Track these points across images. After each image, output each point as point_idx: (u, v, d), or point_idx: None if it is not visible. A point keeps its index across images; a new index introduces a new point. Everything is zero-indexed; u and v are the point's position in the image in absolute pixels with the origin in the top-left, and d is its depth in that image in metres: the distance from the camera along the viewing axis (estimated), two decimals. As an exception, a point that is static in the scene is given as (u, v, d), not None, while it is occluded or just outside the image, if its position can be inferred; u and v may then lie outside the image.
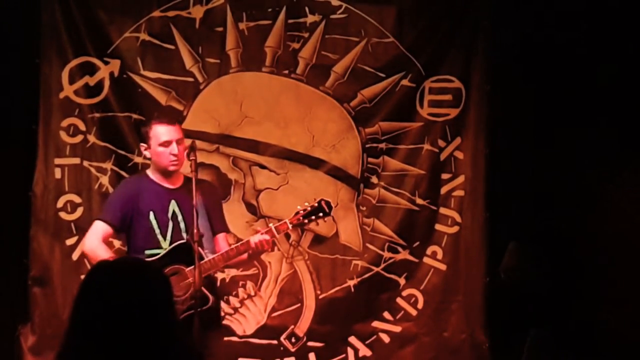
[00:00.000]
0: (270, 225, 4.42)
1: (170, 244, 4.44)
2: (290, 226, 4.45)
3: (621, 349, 5.05)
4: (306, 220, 4.47)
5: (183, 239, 4.42)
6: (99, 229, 4.52)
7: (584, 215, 5.33)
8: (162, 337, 2.25)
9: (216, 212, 4.60)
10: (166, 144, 4.48)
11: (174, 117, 4.70)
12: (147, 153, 4.56)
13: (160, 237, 4.47)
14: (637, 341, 5.01)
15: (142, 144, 4.57)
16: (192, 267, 4.26)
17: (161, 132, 4.50)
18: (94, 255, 4.46)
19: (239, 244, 4.42)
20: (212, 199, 4.61)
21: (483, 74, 5.57)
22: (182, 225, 4.46)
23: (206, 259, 4.33)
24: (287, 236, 5.57)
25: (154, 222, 4.48)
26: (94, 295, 2.29)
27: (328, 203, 4.50)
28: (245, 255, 4.48)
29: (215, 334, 4.53)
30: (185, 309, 4.18)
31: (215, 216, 4.57)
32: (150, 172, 4.59)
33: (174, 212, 4.49)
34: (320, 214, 4.48)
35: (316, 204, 4.48)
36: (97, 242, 4.49)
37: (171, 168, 4.48)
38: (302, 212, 4.45)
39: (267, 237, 4.37)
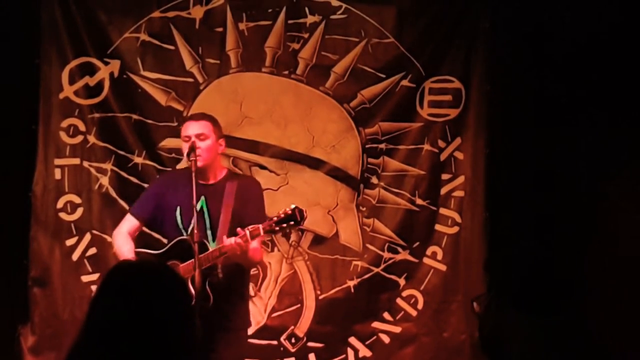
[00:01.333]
0: (246, 230, 4.37)
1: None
2: (262, 232, 4.38)
3: (620, 349, 5.06)
4: (277, 228, 4.37)
5: (206, 235, 4.43)
6: (127, 221, 4.69)
7: (584, 215, 5.33)
8: (178, 341, 2.24)
9: (252, 209, 4.57)
10: (186, 138, 4.52)
11: (207, 115, 4.69)
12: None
13: (183, 232, 4.50)
14: (635, 340, 5.02)
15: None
16: (185, 263, 4.35)
17: (185, 127, 4.60)
18: (114, 243, 4.70)
19: (220, 246, 4.41)
20: (247, 197, 4.60)
21: (483, 74, 5.56)
22: (207, 222, 4.47)
23: (194, 259, 4.33)
24: (287, 236, 5.57)
25: (178, 217, 4.52)
26: (111, 295, 2.29)
27: (301, 212, 4.38)
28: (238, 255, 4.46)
29: (219, 334, 4.52)
30: None
31: (251, 214, 4.53)
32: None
33: (201, 208, 4.50)
34: (292, 222, 4.37)
35: (290, 212, 4.37)
36: (118, 232, 4.66)
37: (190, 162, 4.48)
38: (275, 218, 4.38)
39: (239, 240, 4.32)
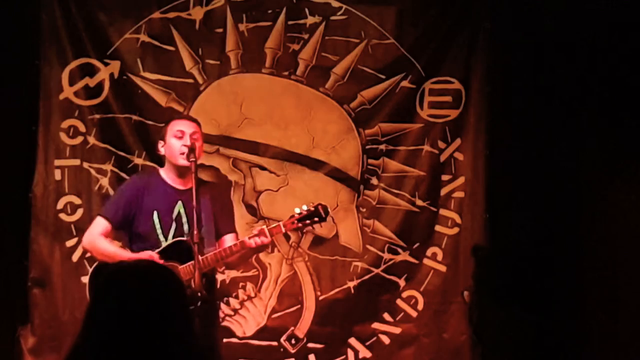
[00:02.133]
0: (264, 227, 4.37)
1: None
2: (283, 230, 4.39)
3: (622, 349, 5.06)
4: (300, 225, 4.39)
5: (200, 241, 4.40)
6: (99, 224, 4.54)
7: (584, 216, 5.34)
8: (177, 343, 2.24)
9: (225, 213, 4.56)
10: (180, 133, 4.46)
11: (195, 119, 4.66)
12: (162, 149, 4.54)
13: (161, 237, 4.46)
14: (636, 342, 5.02)
15: (160, 140, 4.57)
16: (185, 265, 4.28)
17: (178, 124, 4.53)
18: (94, 248, 4.52)
19: (232, 244, 4.40)
20: (222, 200, 4.60)
21: (483, 75, 5.56)
22: (185, 227, 4.43)
23: (193, 262, 4.30)
24: (287, 237, 5.57)
25: (156, 221, 4.47)
26: (111, 297, 2.28)
27: (325, 208, 4.40)
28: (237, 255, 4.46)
29: (214, 334, 4.52)
30: None
31: (224, 217, 4.54)
32: (162, 172, 4.57)
33: (179, 213, 4.46)
34: (316, 219, 4.39)
35: (312, 208, 4.38)
36: (95, 236, 4.51)
37: (180, 161, 4.43)
38: (297, 215, 4.38)
39: (265, 240, 4.33)
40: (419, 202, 5.63)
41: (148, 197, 4.51)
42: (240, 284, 5.59)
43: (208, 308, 4.38)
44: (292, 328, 5.59)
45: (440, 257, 5.63)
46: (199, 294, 4.17)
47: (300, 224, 4.39)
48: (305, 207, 4.40)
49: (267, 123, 5.59)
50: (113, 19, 5.53)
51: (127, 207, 4.51)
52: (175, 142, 4.46)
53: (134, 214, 4.50)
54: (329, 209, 4.45)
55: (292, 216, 4.39)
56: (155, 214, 4.47)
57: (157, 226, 4.47)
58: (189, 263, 4.29)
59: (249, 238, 4.36)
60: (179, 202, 4.46)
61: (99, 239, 4.50)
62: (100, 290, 2.33)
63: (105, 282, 2.34)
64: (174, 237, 4.44)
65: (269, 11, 5.59)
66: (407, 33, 5.60)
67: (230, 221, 4.61)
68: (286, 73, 5.61)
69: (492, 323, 5.48)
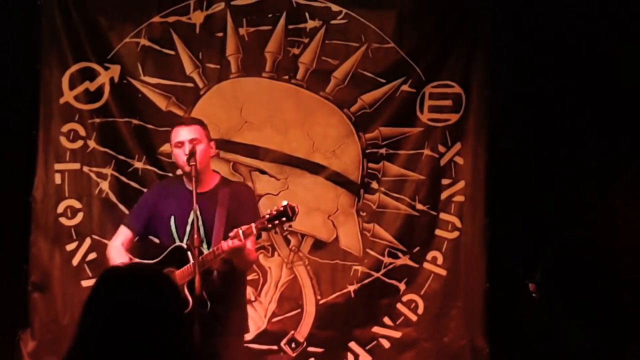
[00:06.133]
0: (238, 229, 4.35)
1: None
2: (255, 230, 4.36)
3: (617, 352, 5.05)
4: (270, 225, 4.34)
5: (200, 244, 4.41)
6: (121, 233, 4.67)
7: (585, 220, 5.33)
8: (171, 344, 2.24)
9: (245, 216, 4.53)
10: (179, 144, 4.53)
11: (196, 119, 4.70)
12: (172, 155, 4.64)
13: (177, 241, 4.49)
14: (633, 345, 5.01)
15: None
16: (181, 270, 4.34)
17: (176, 133, 4.58)
18: (108, 253, 4.67)
19: (214, 248, 4.41)
20: (241, 202, 4.59)
21: (483, 79, 5.56)
22: (201, 230, 4.44)
23: (189, 264, 4.33)
24: (287, 241, 5.57)
25: (173, 226, 4.51)
26: (103, 301, 2.29)
27: (293, 208, 4.35)
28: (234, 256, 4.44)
29: (216, 339, 4.52)
30: None
31: (245, 221, 4.48)
32: (184, 176, 4.63)
33: (194, 218, 4.48)
34: (284, 219, 4.34)
35: (281, 208, 4.35)
36: (112, 244, 4.65)
37: (187, 168, 4.47)
38: (267, 216, 4.36)
39: (236, 242, 4.32)
40: (419, 206, 5.63)
41: (165, 202, 4.58)
42: (241, 288, 5.58)
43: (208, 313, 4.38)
44: (292, 332, 5.59)
45: (440, 261, 5.63)
46: (198, 298, 4.19)
47: (269, 224, 4.34)
48: (276, 207, 4.37)
49: (267, 127, 5.60)
50: (113, 23, 5.53)
51: (146, 215, 4.62)
52: (177, 151, 4.54)
53: (155, 220, 4.55)
54: (296, 209, 4.37)
55: (263, 217, 4.38)
56: (172, 219, 4.51)
57: (174, 230, 4.50)
58: (184, 267, 4.34)
59: (224, 241, 4.37)
60: (196, 206, 4.46)
61: (113, 247, 4.64)
62: (92, 292, 2.34)
63: (97, 285, 2.35)
64: (187, 241, 4.45)
65: (269, 15, 5.60)
66: (407, 37, 5.60)
67: (248, 221, 4.53)
68: (286, 77, 5.61)
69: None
